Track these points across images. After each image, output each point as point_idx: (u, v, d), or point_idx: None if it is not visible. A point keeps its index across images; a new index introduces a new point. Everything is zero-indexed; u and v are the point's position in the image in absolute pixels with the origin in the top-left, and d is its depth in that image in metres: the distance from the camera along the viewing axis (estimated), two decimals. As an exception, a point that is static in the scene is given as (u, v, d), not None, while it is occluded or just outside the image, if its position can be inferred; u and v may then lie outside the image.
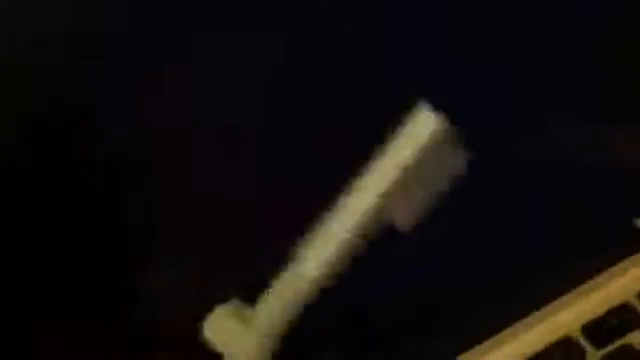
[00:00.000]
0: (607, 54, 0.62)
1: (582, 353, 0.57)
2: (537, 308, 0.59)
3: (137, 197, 0.57)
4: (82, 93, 0.58)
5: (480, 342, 0.59)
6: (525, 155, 0.63)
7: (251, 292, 0.40)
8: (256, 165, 0.54)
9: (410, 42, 0.61)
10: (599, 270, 0.60)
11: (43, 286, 0.57)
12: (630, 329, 0.57)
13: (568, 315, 0.58)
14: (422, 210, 0.33)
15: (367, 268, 0.61)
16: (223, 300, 0.38)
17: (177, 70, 0.58)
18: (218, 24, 0.58)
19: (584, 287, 0.60)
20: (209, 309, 0.38)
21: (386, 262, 0.61)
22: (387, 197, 0.33)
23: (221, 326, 0.36)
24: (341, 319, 0.61)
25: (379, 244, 0.61)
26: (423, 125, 0.31)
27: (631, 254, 0.61)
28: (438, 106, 0.61)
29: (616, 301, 0.58)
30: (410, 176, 0.32)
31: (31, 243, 0.58)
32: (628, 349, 0.57)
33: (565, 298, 0.59)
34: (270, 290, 0.37)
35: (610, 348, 0.57)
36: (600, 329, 0.57)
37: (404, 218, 0.32)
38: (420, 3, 0.59)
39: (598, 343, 0.57)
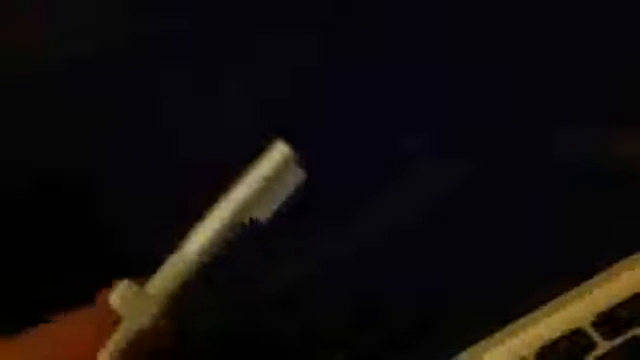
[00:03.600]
0: (608, 54, 0.62)
1: (592, 345, 0.57)
2: (546, 301, 0.60)
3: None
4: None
5: (489, 335, 0.59)
6: (528, 156, 0.63)
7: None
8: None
9: (410, 42, 0.61)
10: (608, 264, 0.60)
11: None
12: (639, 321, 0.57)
13: (579, 307, 0.59)
14: (273, 211, 0.50)
15: (375, 270, 0.61)
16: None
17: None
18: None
19: (595, 280, 0.60)
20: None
21: (395, 263, 0.62)
22: (250, 202, 0.49)
23: (123, 295, 0.49)
24: (351, 319, 0.62)
25: (388, 247, 0.61)
26: (276, 154, 0.49)
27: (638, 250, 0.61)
28: (440, 109, 0.61)
29: (626, 293, 0.58)
30: (267, 188, 0.49)
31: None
32: (639, 341, 0.57)
33: (576, 290, 0.60)
34: (161, 268, 0.50)
35: (620, 340, 0.57)
36: (610, 321, 0.57)
37: (262, 215, 0.49)
38: (420, 3, 0.60)
39: (608, 335, 0.57)
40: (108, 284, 0.52)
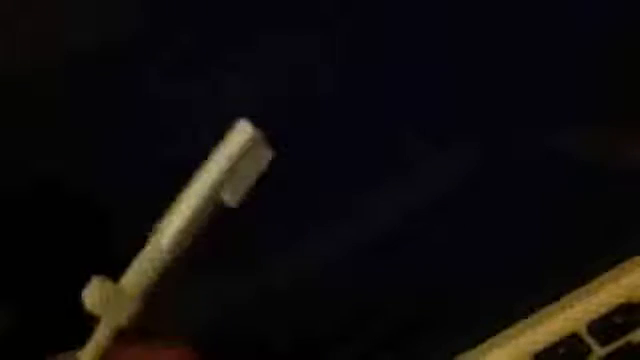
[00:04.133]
0: (607, 54, 0.62)
1: (587, 350, 0.57)
2: (543, 306, 0.60)
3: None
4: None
5: (485, 340, 0.60)
6: (527, 155, 0.63)
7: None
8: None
9: (410, 43, 0.61)
10: (606, 267, 0.60)
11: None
12: (635, 327, 0.57)
13: (574, 312, 0.59)
14: (244, 193, 0.48)
15: (374, 268, 0.61)
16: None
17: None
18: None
19: (590, 285, 0.60)
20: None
21: (392, 262, 0.62)
22: (218, 185, 0.47)
23: (97, 294, 0.47)
24: (349, 318, 0.62)
25: (385, 245, 0.61)
26: (242, 132, 0.48)
27: (637, 253, 0.61)
28: (439, 107, 0.61)
29: (621, 299, 0.59)
30: (234, 170, 0.47)
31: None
32: (633, 346, 0.57)
33: (571, 296, 0.60)
34: (135, 259, 0.48)
35: (615, 345, 0.57)
36: (605, 327, 0.58)
37: (232, 199, 0.47)
38: (421, 4, 0.59)
39: (603, 340, 0.57)
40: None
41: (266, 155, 0.49)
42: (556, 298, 0.60)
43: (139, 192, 0.60)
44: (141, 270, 0.48)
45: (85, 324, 0.51)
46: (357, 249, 0.62)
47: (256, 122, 0.52)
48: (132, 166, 0.60)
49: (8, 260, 0.59)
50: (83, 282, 0.51)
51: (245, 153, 0.48)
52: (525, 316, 0.60)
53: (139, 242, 0.58)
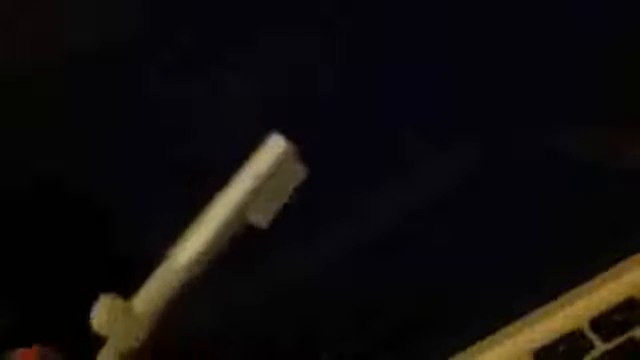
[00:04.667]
0: (607, 54, 0.62)
1: (589, 346, 0.57)
2: (544, 303, 0.60)
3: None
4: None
5: (486, 337, 0.60)
6: (529, 154, 0.63)
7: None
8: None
9: (410, 43, 0.61)
10: (607, 266, 0.60)
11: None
12: (637, 323, 0.57)
13: (576, 309, 0.59)
14: (273, 213, 0.43)
15: (374, 268, 0.61)
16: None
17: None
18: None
19: (592, 282, 0.60)
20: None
21: (392, 262, 0.62)
22: (244, 205, 0.42)
23: (105, 314, 0.42)
24: (349, 318, 0.62)
25: (385, 245, 0.61)
26: (274, 149, 0.42)
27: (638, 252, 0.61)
28: (440, 107, 0.61)
29: (623, 296, 0.59)
30: (262, 189, 0.42)
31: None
32: (635, 343, 0.57)
33: (573, 292, 0.60)
34: (149, 280, 0.43)
35: (617, 342, 0.57)
36: (607, 323, 0.58)
37: (259, 220, 0.42)
38: (421, 4, 0.60)
39: (605, 337, 0.57)
40: (109, 284, 0.50)
41: (299, 172, 0.44)
42: (556, 297, 0.60)
43: (139, 192, 0.60)
44: (155, 290, 0.44)
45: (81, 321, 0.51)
46: (357, 249, 0.62)
47: (256, 122, 0.51)
48: (132, 166, 0.60)
49: (9, 261, 0.59)
50: (84, 283, 0.50)
51: (276, 171, 0.43)
52: (525, 314, 0.60)
53: (139, 242, 0.58)
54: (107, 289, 0.47)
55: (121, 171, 0.58)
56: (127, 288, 0.49)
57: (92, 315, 0.44)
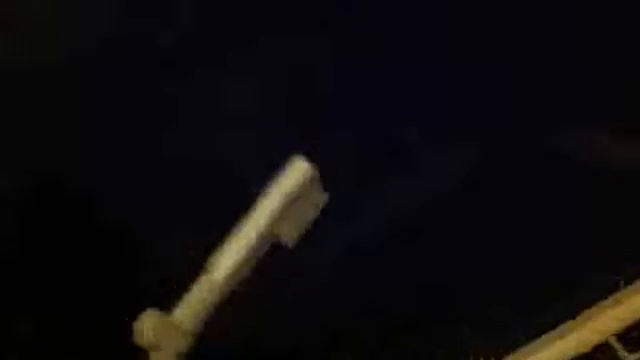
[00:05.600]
0: (607, 53, 0.62)
1: (617, 358, 0.58)
2: (572, 317, 0.60)
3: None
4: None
5: (516, 349, 0.60)
6: (531, 156, 0.64)
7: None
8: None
9: (412, 44, 0.61)
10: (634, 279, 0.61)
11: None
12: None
13: (603, 322, 0.60)
14: (301, 232, 0.43)
15: (374, 268, 0.62)
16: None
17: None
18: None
19: (619, 295, 0.61)
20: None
21: (393, 262, 0.62)
22: (274, 223, 0.43)
23: (148, 327, 0.43)
24: (349, 318, 0.62)
25: (397, 248, 0.62)
26: (299, 170, 0.42)
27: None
28: (448, 108, 0.61)
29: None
30: (289, 208, 0.43)
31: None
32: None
33: (600, 306, 0.61)
34: (189, 294, 0.44)
35: (644, 354, 0.58)
36: (634, 335, 0.59)
37: (287, 237, 0.43)
38: (422, 4, 0.60)
39: (634, 348, 0.58)
40: (109, 286, 0.50)
41: (321, 195, 0.48)
42: (557, 296, 0.61)
43: (140, 192, 0.60)
44: (196, 303, 0.47)
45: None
46: (358, 249, 0.63)
47: (256, 122, 0.51)
48: (133, 166, 0.60)
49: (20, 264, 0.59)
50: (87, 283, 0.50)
51: (301, 192, 0.47)
52: (557, 325, 0.61)
53: (140, 242, 0.57)
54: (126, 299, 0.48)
55: (122, 171, 0.58)
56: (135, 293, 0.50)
57: (136, 329, 0.46)
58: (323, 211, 0.55)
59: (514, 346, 0.69)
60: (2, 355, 0.57)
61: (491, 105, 0.59)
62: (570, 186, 0.59)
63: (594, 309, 0.58)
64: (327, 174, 0.53)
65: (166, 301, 0.51)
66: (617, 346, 0.57)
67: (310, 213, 0.44)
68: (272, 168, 0.52)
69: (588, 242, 0.59)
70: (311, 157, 0.52)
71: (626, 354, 0.57)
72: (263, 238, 0.43)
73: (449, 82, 0.58)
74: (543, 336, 0.58)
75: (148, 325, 0.42)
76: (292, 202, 0.43)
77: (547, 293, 0.60)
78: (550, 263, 0.60)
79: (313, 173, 0.44)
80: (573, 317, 0.58)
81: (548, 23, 0.60)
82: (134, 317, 0.51)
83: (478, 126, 0.59)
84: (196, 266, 0.55)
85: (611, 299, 0.59)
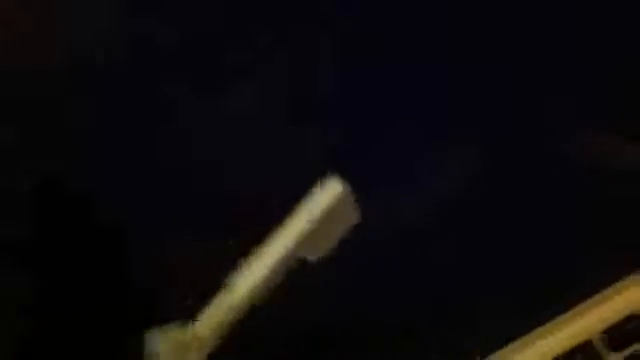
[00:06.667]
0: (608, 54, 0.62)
1: (601, 357, 0.58)
2: (557, 315, 0.61)
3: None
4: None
5: (502, 347, 0.60)
6: (532, 159, 0.64)
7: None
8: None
9: (414, 44, 0.61)
10: (619, 278, 0.61)
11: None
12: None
13: (588, 320, 0.60)
14: (328, 250, 0.46)
15: (375, 269, 0.62)
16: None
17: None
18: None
19: (604, 294, 0.61)
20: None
21: (393, 263, 0.62)
22: (301, 241, 0.45)
23: (163, 342, 0.44)
24: (349, 318, 0.62)
25: (387, 247, 0.62)
26: (330, 189, 0.45)
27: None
28: (450, 111, 0.61)
29: (634, 306, 0.60)
30: (319, 226, 0.45)
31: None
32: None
33: (585, 304, 0.61)
34: (207, 310, 0.45)
35: (628, 352, 0.58)
36: (619, 334, 0.59)
37: (312, 255, 0.45)
38: (422, 5, 0.60)
39: (617, 348, 0.58)
40: (111, 287, 0.50)
41: (352, 215, 0.47)
42: (559, 301, 0.61)
43: (140, 192, 0.60)
44: (216, 318, 0.46)
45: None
46: (358, 249, 0.63)
47: (256, 122, 0.51)
48: (134, 167, 0.61)
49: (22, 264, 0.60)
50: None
51: (332, 212, 0.46)
52: (541, 324, 0.61)
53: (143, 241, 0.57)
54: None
55: (122, 172, 0.59)
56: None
57: (152, 345, 0.45)
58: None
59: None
60: (2, 356, 0.57)
61: (491, 105, 0.59)
62: (572, 188, 0.59)
63: (580, 307, 0.58)
64: (326, 174, 0.53)
65: (170, 302, 0.51)
66: (602, 346, 0.57)
67: (339, 233, 0.43)
68: (272, 168, 0.52)
69: (590, 244, 0.59)
70: (311, 158, 0.52)
71: (610, 353, 0.57)
72: (288, 256, 0.42)
73: (449, 82, 0.58)
74: (527, 334, 0.58)
75: (164, 341, 0.41)
76: (322, 224, 0.42)
77: (549, 295, 0.60)
78: (552, 265, 0.60)
79: (346, 194, 0.43)
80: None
81: (548, 23, 0.60)
82: (136, 322, 0.51)
83: (479, 126, 0.59)
84: (198, 268, 0.55)
85: (597, 297, 0.59)
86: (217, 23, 0.58)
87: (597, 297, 0.61)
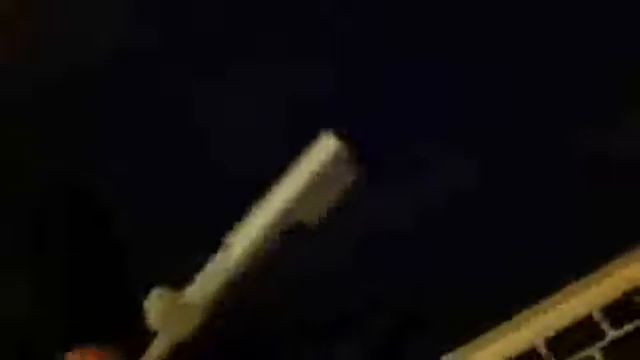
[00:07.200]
0: (612, 50, 0.62)
1: (602, 333, 0.58)
2: (555, 291, 0.60)
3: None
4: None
5: (496, 326, 0.60)
6: (531, 155, 0.64)
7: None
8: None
9: (411, 44, 0.61)
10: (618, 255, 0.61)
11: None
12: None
13: (588, 296, 0.59)
14: (324, 212, 0.44)
15: (376, 266, 0.62)
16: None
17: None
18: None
19: (604, 270, 0.61)
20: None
21: (394, 260, 0.62)
22: (295, 201, 0.43)
23: (157, 306, 0.42)
24: (349, 316, 0.62)
25: (388, 244, 0.62)
26: (326, 146, 0.43)
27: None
28: (451, 110, 0.61)
29: (636, 282, 0.59)
30: (313, 187, 0.42)
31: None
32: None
33: (585, 280, 0.60)
34: (201, 272, 0.44)
35: (629, 328, 0.58)
36: (619, 310, 0.58)
37: (309, 218, 0.43)
38: (423, 5, 0.60)
39: (617, 323, 0.58)
40: (112, 290, 0.50)
41: (349, 173, 0.44)
42: (565, 285, 0.61)
43: (140, 192, 0.60)
44: (209, 282, 0.45)
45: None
46: (358, 248, 0.63)
47: (258, 122, 0.51)
48: (134, 167, 0.61)
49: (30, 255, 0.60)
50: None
51: (328, 169, 0.44)
52: (536, 302, 0.60)
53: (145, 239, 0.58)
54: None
55: (123, 172, 0.59)
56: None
57: (145, 308, 0.44)
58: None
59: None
60: (3, 356, 0.58)
61: (492, 105, 0.59)
62: (574, 182, 0.58)
63: (577, 283, 0.58)
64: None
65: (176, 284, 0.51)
66: (602, 321, 0.56)
67: (336, 193, 0.41)
68: (272, 168, 0.52)
69: (591, 238, 0.59)
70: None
71: (610, 329, 0.57)
72: (283, 218, 0.41)
73: (449, 82, 0.57)
74: (526, 311, 0.57)
75: (154, 303, 0.41)
76: (317, 181, 0.41)
77: (552, 286, 0.60)
78: (553, 258, 0.60)
79: (342, 151, 0.41)
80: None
81: (548, 23, 0.60)
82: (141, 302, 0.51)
83: (479, 126, 0.59)
84: (198, 263, 0.55)
85: (596, 273, 0.58)
86: (217, 23, 0.58)
87: (597, 273, 0.60)
